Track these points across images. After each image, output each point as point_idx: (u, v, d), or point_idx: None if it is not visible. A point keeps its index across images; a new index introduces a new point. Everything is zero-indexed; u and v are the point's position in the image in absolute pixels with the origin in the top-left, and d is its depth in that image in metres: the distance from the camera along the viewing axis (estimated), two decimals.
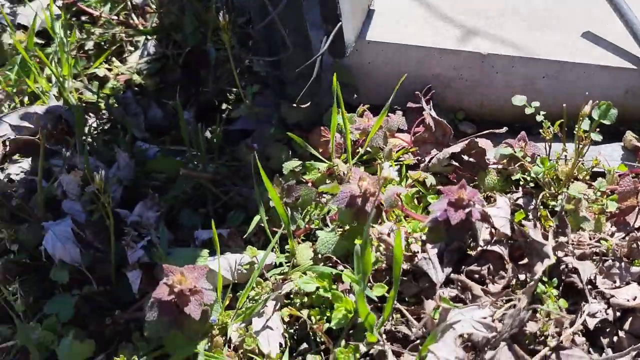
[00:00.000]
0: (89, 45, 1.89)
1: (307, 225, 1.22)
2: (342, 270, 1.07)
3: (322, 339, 1.05)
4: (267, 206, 1.20)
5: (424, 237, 1.10)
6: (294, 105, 1.29)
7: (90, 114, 1.62)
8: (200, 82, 1.69)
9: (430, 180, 1.24)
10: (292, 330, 1.09)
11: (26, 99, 1.70)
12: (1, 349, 1.12)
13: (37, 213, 1.23)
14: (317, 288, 1.06)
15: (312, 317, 1.04)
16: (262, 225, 1.18)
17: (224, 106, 1.65)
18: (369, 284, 1.04)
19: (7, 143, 1.38)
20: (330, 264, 1.12)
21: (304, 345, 1.08)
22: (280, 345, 1.06)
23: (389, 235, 1.10)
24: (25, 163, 1.37)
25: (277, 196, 1.09)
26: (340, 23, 1.27)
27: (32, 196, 1.26)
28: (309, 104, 1.30)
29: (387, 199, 1.12)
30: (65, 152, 1.21)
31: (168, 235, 1.22)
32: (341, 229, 1.15)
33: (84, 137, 1.46)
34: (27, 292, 1.15)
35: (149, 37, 1.90)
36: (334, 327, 1.01)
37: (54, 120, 1.43)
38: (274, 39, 1.22)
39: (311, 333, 1.08)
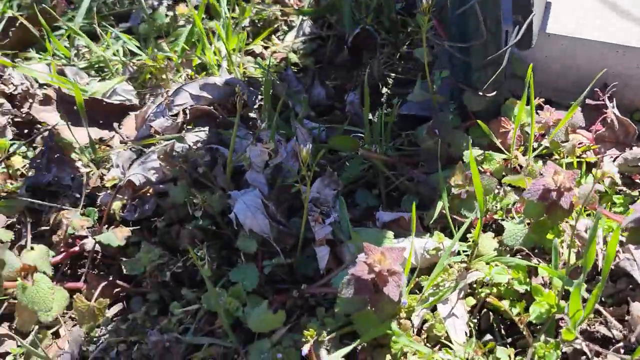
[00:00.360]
0: (245, 22, 1.91)
1: (487, 216, 1.20)
2: (536, 264, 1.05)
3: (507, 331, 1.03)
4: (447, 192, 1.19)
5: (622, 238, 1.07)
6: (479, 93, 1.26)
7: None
8: (361, 65, 1.68)
9: (616, 179, 1.20)
10: (475, 320, 1.07)
11: (189, 70, 1.74)
12: (186, 311, 1.15)
13: (221, 182, 1.25)
14: (510, 280, 1.04)
15: (512, 309, 1.02)
16: (444, 212, 1.17)
17: (384, 91, 1.65)
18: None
19: (187, 112, 1.40)
20: (520, 256, 1.10)
21: (488, 336, 1.06)
22: (465, 334, 1.04)
23: (585, 231, 1.06)
24: (202, 133, 1.39)
25: (479, 182, 1.06)
26: (533, 14, 1.24)
27: (215, 165, 1.28)
28: (494, 93, 1.27)
29: (582, 195, 1.09)
30: (260, 124, 1.22)
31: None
32: (528, 222, 1.13)
33: (254, 112, 1.48)
34: (212, 259, 1.17)
35: (304, 18, 1.90)
36: (534, 321, 0.99)
37: (231, 92, 1.44)
38: (467, 25, 1.20)
39: (495, 324, 1.07)
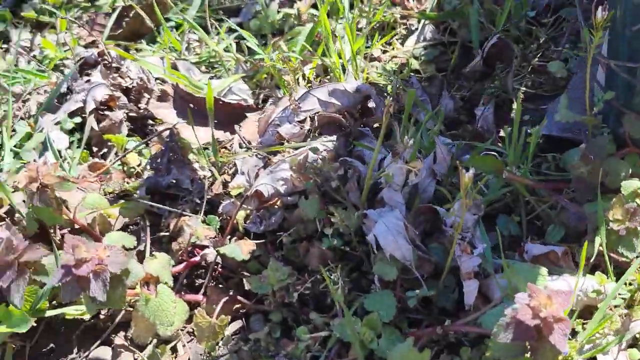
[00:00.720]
0: (362, 23, 1.82)
1: None
2: None
3: None
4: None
5: None
6: None
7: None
8: (491, 77, 1.58)
9: None
10: None
11: (307, 71, 1.66)
12: (314, 337, 1.07)
13: (353, 198, 1.17)
14: None
15: None
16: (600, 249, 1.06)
17: (513, 106, 1.53)
18: None
19: (315, 118, 1.32)
20: None
21: None
22: None
23: None
24: (329, 142, 1.31)
25: None
26: None
27: (348, 179, 1.19)
28: None
29: None
30: (403, 138, 1.12)
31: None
32: None
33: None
34: (343, 280, 1.09)
35: (425, 22, 1.80)
36: None
37: (361, 99, 1.36)
38: (637, 43, 1.08)
39: None
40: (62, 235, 1.23)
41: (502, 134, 1.42)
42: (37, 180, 1.15)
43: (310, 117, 1.33)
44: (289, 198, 1.19)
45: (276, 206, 1.21)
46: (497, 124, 1.47)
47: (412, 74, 1.65)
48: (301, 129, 1.31)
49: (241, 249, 1.15)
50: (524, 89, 1.57)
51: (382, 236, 1.05)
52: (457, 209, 1.15)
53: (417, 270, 1.07)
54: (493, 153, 1.32)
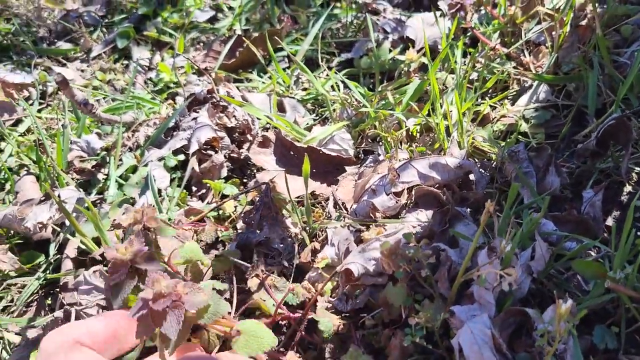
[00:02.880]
0: (474, 75, 1.72)
1: None
2: None
3: None
4: None
5: None
6: None
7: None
8: (605, 155, 1.45)
9: None
10: None
11: (411, 126, 1.58)
12: None
13: (442, 289, 1.09)
14: None
15: None
16: None
17: (626, 188, 1.40)
18: None
19: (413, 191, 1.25)
20: None
21: None
22: None
23: None
24: (423, 217, 1.23)
25: None
26: None
27: (439, 268, 1.11)
28: None
29: None
30: (501, 233, 1.03)
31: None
32: None
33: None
34: None
35: (542, 81, 1.68)
36: None
37: (462, 174, 1.27)
38: None
39: None
40: None
41: (609, 221, 1.30)
42: (141, 223, 1.14)
43: (407, 189, 1.26)
44: (378, 279, 1.13)
45: (363, 285, 1.14)
46: (605, 209, 1.35)
47: (520, 137, 1.55)
48: (397, 202, 1.23)
49: (333, 323, 1.10)
50: (638, 169, 1.44)
51: (468, 345, 0.97)
52: (550, 316, 1.06)
53: None
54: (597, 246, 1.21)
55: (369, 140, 1.61)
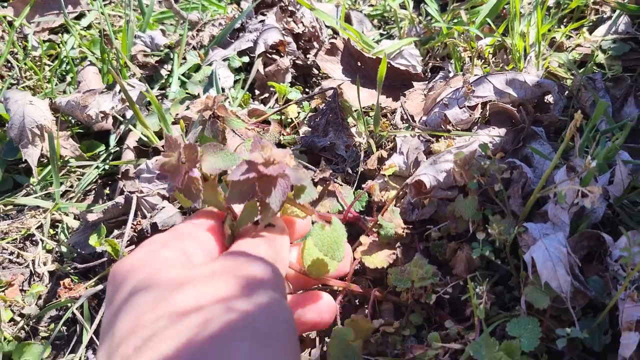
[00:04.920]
0: (550, 1, 1.62)
1: None
2: None
3: None
4: None
5: None
6: None
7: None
8: None
9: None
10: None
11: (484, 47, 1.49)
12: (444, 348, 0.96)
13: (514, 206, 1.03)
14: None
15: None
16: None
17: None
18: None
19: (487, 107, 1.17)
20: None
21: None
22: None
23: None
24: (496, 134, 1.16)
25: None
26: None
27: (513, 184, 1.05)
28: None
29: None
30: (581, 153, 0.96)
31: None
32: None
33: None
34: (488, 295, 0.96)
35: (621, 12, 1.57)
36: None
37: (539, 94, 1.19)
38: None
39: None
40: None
41: None
42: (212, 109, 1.09)
43: (482, 104, 1.18)
44: (448, 192, 1.07)
45: (433, 198, 1.09)
46: None
47: (595, 68, 1.45)
48: (470, 115, 1.16)
49: (395, 227, 1.05)
50: None
51: (541, 261, 0.91)
52: (625, 242, 0.99)
53: (570, 302, 0.93)
54: None
55: (438, 59, 1.52)
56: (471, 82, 1.20)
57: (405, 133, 1.19)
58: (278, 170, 0.72)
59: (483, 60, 1.46)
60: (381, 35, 1.68)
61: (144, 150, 1.32)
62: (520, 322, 0.93)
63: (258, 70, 1.43)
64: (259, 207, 0.75)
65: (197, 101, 1.12)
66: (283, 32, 1.49)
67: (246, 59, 1.50)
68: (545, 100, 1.26)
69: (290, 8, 1.55)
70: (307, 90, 1.48)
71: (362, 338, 0.99)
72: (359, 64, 1.45)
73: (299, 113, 1.38)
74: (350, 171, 1.20)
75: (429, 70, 1.52)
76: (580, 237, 1.00)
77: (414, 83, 1.43)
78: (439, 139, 1.17)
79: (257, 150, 0.73)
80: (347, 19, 1.67)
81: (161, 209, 1.15)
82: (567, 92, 1.38)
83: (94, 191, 1.35)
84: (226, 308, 0.59)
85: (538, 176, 1.09)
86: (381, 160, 1.19)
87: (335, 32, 1.59)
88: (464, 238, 1.07)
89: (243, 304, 0.61)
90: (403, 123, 1.28)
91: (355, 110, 1.29)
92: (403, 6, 1.67)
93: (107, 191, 1.34)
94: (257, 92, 1.46)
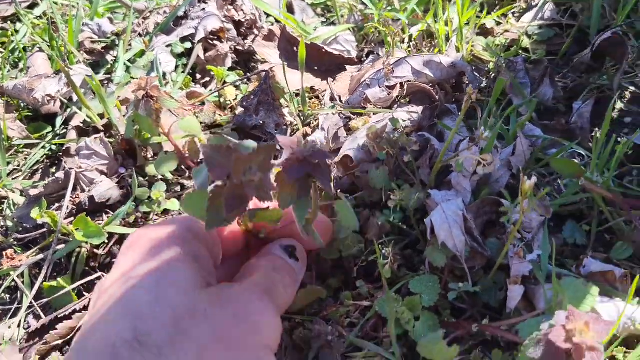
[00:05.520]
0: None
1: None
2: None
3: None
4: None
5: None
6: None
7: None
8: (600, 71, 1.44)
9: None
10: None
11: (415, 33, 1.58)
12: (355, 305, 1.04)
13: (423, 175, 1.11)
14: None
15: None
16: None
17: (618, 105, 1.41)
18: None
19: (405, 86, 1.26)
20: None
21: None
22: None
23: None
24: (414, 112, 1.24)
25: None
26: None
27: (422, 156, 1.13)
28: None
29: None
30: (484, 125, 1.05)
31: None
32: None
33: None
34: (394, 258, 1.04)
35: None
36: None
37: (455, 76, 1.28)
38: None
39: None
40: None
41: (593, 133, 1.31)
42: (145, 90, 1.16)
43: (400, 84, 1.26)
44: (373, 165, 1.15)
45: (358, 171, 1.17)
46: (594, 122, 1.36)
47: (520, 52, 1.54)
48: (388, 94, 1.25)
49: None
50: (632, 89, 1.44)
51: (439, 223, 1.00)
52: (523, 207, 1.08)
53: (469, 262, 1.02)
54: (580, 152, 1.23)
55: (373, 44, 1.61)
56: (391, 63, 1.29)
57: (328, 111, 1.27)
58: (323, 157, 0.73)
59: (414, 45, 1.55)
60: (323, 23, 1.75)
61: (86, 130, 1.39)
62: (422, 280, 1.02)
63: (198, 55, 1.51)
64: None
65: (132, 82, 1.18)
66: (223, 19, 1.57)
67: (188, 45, 1.57)
68: (465, 81, 1.35)
69: None
70: (247, 74, 1.56)
71: None
72: (295, 49, 1.52)
73: (237, 96, 1.45)
74: (279, 147, 1.27)
75: (365, 55, 1.60)
76: (482, 203, 1.09)
77: (348, 67, 1.50)
78: (362, 116, 1.25)
79: (291, 147, 0.73)
80: (290, 8, 1.75)
81: (99, 183, 1.22)
82: (490, 73, 1.47)
83: (41, 170, 1.41)
84: None
85: (448, 149, 1.17)
86: (306, 137, 1.27)
87: (278, 20, 1.67)
88: (379, 206, 1.15)
89: None
90: (332, 103, 1.36)
91: (287, 93, 1.37)
92: None
93: (53, 170, 1.40)
94: (198, 76, 1.53)
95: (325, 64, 1.51)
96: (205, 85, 1.51)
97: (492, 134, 1.07)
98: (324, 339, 0.98)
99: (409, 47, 1.50)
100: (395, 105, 1.27)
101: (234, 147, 0.69)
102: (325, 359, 0.99)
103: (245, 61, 1.59)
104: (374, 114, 1.24)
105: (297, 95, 1.40)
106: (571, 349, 0.81)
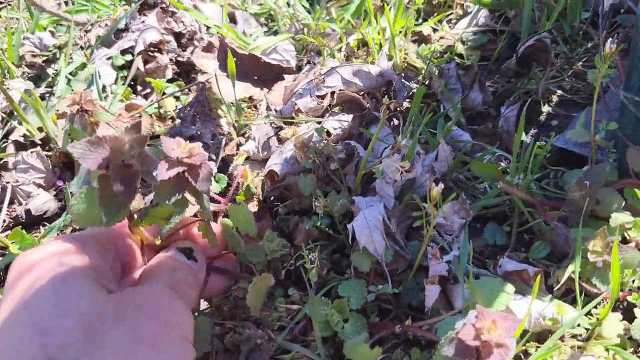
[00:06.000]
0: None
1: (620, 293, 1.03)
2: None
3: None
4: (582, 254, 1.03)
5: None
6: None
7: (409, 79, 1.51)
8: (527, 76, 1.50)
9: None
10: None
11: (351, 41, 1.62)
12: (289, 310, 1.08)
13: (350, 182, 1.16)
14: None
15: None
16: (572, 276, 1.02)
17: (544, 108, 1.47)
18: None
19: (335, 96, 1.30)
20: None
21: None
22: None
23: None
24: (345, 121, 1.29)
25: (617, 258, 0.91)
26: None
27: (349, 163, 1.18)
28: None
29: None
30: (402, 133, 1.10)
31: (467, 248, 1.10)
32: None
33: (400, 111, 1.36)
34: (322, 262, 1.09)
35: (481, 6, 1.72)
36: None
37: (383, 84, 1.32)
38: None
39: None
40: None
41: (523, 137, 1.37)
42: (79, 104, 1.18)
43: (331, 93, 1.31)
44: (301, 176, 1.19)
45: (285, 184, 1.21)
46: (525, 128, 1.41)
47: (455, 58, 1.60)
48: (319, 104, 1.29)
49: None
50: (560, 92, 1.50)
51: (359, 228, 1.04)
52: (445, 211, 1.13)
53: (392, 265, 1.06)
54: (506, 156, 1.28)
55: (312, 53, 1.65)
56: (322, 73, 1.33)
57: (260, 121, 1.31)
58: (200, 160, 0.79)
59: (350, 54, 1.60)
60: (265, 32, 1.79)
61: (24, 144, 1.41)
62: (349, 284, 1.06)
63: (138, 67, 1.54)
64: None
65: (67, 97, 1.21)
66: (163, 31, 1.60)
67: (129, 57, 1.60)
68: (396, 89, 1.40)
69: (171, 9, 1.66)
70: (187, 85, 1.59)
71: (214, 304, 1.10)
72: (235, 60, 1.56)
73: (177, 107, 1.48)
74: (214, 157, 1.31)
75: (304, 65, 1.64)
76: (405, 208, 1.13)
77: (286, 76, 1.55)
78: (291, 126, 1.29)
79: (171, 148, 0.79)
80: (233, 18, 1.78)
81: (35, 196, 1.25)
82: (427, 81, 1.53)
83: None
84: None
85: (374, 156, 1.22)
86: (239, 147, 1.31)
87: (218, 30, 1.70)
88: (309, 213, 1.19)
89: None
90: (267, 112, 1.40)
91: (224, 103, 1.40)
92: (286, 5, 1.78)
93: None
94: (139, 88, 1.56)
95: (264, 73, 1.55)
96: (146, 97, 1.54)
97: (413, 142, 1.12)
98: (253, 342, 1.02)
99: (346, 56, 1.54)
100: (327, 114, 1.32)
101: (102, 136, 0.72)
102: None
103: (186, 72, 1.62)
104: (305, 122, 1.28)
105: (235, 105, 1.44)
106: (479, 347, 0.86)
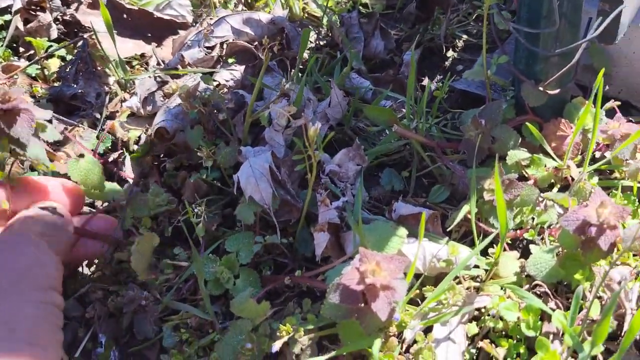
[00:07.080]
0: None
1: (518, 231, 1.02)
2: (553, 309, 0.87)
3: None
4: (479, 194, 1.01)
5: None
6: (540, 88, 1.05)
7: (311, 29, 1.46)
8: (430, 21, 1.47)
9: None
10: (473, 351, 0.91)
11: None
12: (177, 271, 1.02)
13: (240, 133, 1.10)
14: (518, 318, 0.87)
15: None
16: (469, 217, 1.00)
17: (449, 53, 1.44)
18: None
19: (225, 45, 1.24)
20: (539, 293, 0.92)
21: None
22: None
23: (619, 283, 0.87)
24: (238, 72, 1.23)
25: (502, 196, 0.89)
26: (624, 5, 1.02)
27: (238, 114, 1.13)
28: (557, 91, 1.06)
29: (627, 237, 0.89)
30: (282, 78, 1.05)
31: (363, 194, 1.07)
32: (559, 251, 0.94)
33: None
34: (210, 216, 1.04)
35: None
36: None
37: (276, 32, 1.27)
38: (538, 7, 0.98)
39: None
40: None
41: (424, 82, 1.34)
42: None
43: (221, 44, 1.25)
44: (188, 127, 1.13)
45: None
46: (424, 72, 1.39)
47: (361, 9, 1.56)
48: (207, 54, 1.23)
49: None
50: (465, 37, 1.48)
51: (245, 178, 0.99)
52: (339, 158, 1.09)
53: (284, 215, 1.02)
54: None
55: (208, 6, 1.58)
56: (211, 24, 1.27)
57: (144, 75, 1.25)
58: (17, 104, 0.79)
59: (250, 7, 1.54)
60: None
61: None
62: (237, 238, 1.02)
63: (17, 27, 1.44)
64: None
65: None
66: None
67: (8, 17, 1.50)
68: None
69: None
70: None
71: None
72: (125, 16, 1.49)
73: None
74: (98, 115, 1.24)
75: (201, 20, 1.57)
76: (289, 160, 1.09)
77: (180, 31, 1.48)
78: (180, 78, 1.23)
79: None
80: None
81: None
82: (329, 31, 1.48)
83: None
84: None
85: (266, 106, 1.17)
86: (124, 102, 1.24)
87: None
88: (200, 168, 1.14)
89: None
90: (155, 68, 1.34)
91: (113, 60, 1.33)
92: None
93: None
94: (21, 49, 1.47)
95: (158, 30, 1.48)
96: (29, 59, 1.45)
97: (300, 86, 1.08)
98: (137, 303, 0.96)
99: (242, 9, 1.48)
100: (219, 66, 1.26)
101: None
102: (140, 324, 0.97)
103: (75, 32, 1.53)
104: (194, 74, 1.22)
105: (128, 62, 1.37)
106: (365, 290, 0.82)
